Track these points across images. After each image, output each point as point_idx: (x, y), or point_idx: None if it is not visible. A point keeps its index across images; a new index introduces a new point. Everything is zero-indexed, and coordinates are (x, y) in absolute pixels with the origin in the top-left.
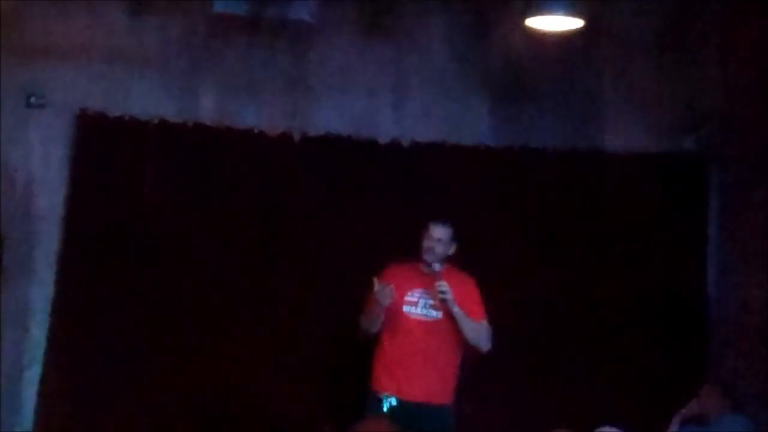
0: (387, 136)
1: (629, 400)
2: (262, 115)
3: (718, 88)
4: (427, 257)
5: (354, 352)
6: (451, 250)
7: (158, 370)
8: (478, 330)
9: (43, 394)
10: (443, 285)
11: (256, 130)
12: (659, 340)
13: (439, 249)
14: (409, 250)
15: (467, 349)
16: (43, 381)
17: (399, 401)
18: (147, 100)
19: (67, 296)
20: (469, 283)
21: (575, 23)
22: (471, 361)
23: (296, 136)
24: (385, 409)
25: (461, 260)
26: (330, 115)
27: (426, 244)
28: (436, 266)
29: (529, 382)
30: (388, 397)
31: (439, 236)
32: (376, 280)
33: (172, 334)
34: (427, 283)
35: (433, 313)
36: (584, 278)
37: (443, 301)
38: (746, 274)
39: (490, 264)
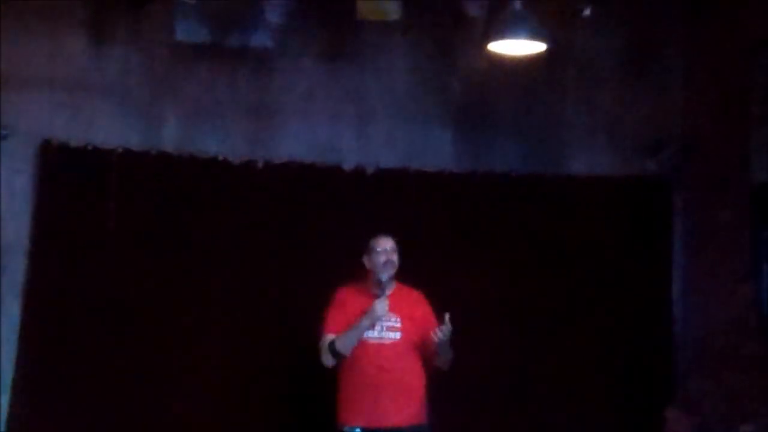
0: (351, 162)
1: (594, 421)
2: (225, 142)
3: (680, 110)
4: (385, 272)
5: (322, 383)
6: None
7: (127, 396)
8: (450, 355)
9: (11, 424)
10: (447, 330)
11: (219, 158)
12: (625, 361)
13: (394, 259)
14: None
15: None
16: (12, 410)
17: (367, 431)
18: (110, 129)
19: (34, 326)
20: (421, 299)
21: (537, 47)
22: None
23: (260, 164)
24: None
25: (427, 285)
26: (293, 142)
27: (380, 259)
28: (384, 277)
29: (493, 405)
30: (351, 429)
31: (390, 246)
32: (376, 302)
33: (139, 360)
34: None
35: (391, 335)
36: (549, 302)
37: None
38: (711, 294)
39: (455, 289)
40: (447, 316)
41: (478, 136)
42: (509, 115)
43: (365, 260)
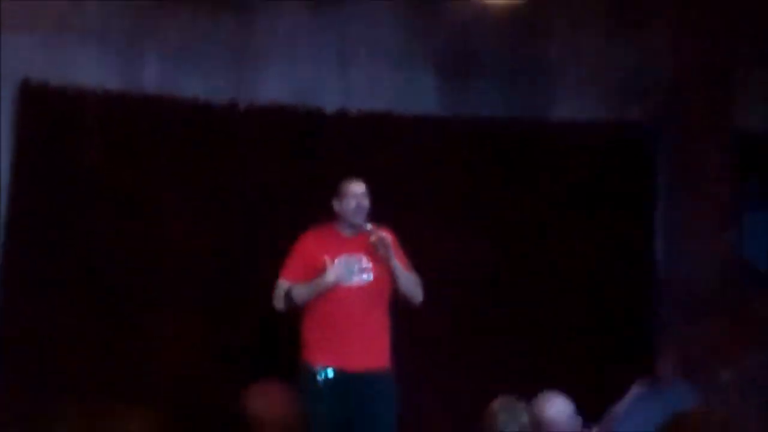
0: (333, 105)
1: (576, 366)
2: (206, 84)
3: (666, 56)
4: (356, 218)
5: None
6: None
7: (107, 361)
8: (414, 281)
9: None
10: (383, 235)
11: (200, 100)
12: (607, 306)
13: (365, 204)
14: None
15: (399, 302)
16: None
17: (338, 372)
18: (90, 70)
19: (14, 266)
20: (392, 239)
21: None
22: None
23: (242, 106)
24: (319, 382)
25: (408, 230)
26: (276, 85)
27: (351, 203)
28: (368, 226)
29: (475, 350)
30: (323, 368)
31: (361, 191)
32: (327, 260)
33: (119, 312)
34: (353, 246)
35: (364, 276)
36: (531, 245)
37: (384, 254)
38: (694, 238)
39: (437, 233)
40: (369, 226)
41: (461, 80)
42: (493, 59)
43: (335, 204)
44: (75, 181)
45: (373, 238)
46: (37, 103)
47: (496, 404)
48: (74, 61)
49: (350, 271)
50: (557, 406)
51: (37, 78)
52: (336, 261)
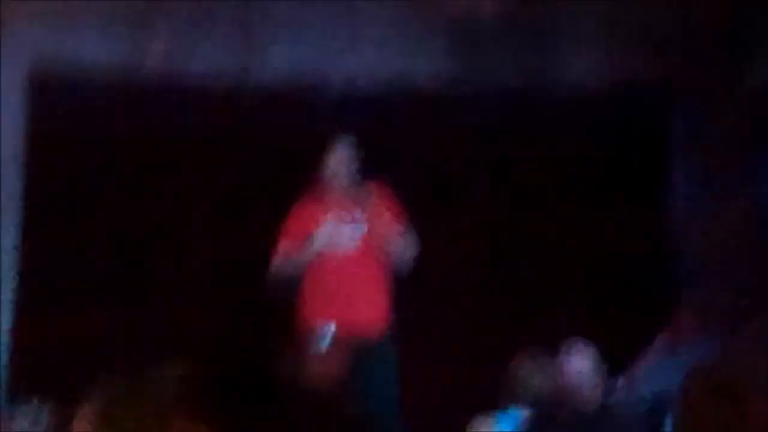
0: (340, 82)
1: (596, 318)
2: (211, 62)
3: (678, 15)
4: (344, 176)
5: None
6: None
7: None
8: (402, 243)
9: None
10: (371, 192)
11: (205, 78)
12: (623, 273)
13: (353, 163)
14: None
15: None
16: None
17: (340, 336)
18: (96, 47)
19: (32, 244)
20: (387, 193)
21: None
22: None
23: (247, 83)
24: (327, 340)
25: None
26: (282, 62)
27: (339, 163)
28: (358, 183)
29: (494, 305)
30: (327, 324)
31: (350, 150)
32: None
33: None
34: (343, 205)
35: (357, 232)
36: (545, 210)
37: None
38: (710, 200)
39: (446, 204)
40: (359, 184)
41: (470, 49)
42: (501, 24)
43: (324, 164)
44: (86, 162)
45: (361, 197)
46: (46, 81)
47: (521, 357)
48: (81, 39)
49: (339, 233)
50: (582, 357)
51: (46, 56)
52: (322, 227)
